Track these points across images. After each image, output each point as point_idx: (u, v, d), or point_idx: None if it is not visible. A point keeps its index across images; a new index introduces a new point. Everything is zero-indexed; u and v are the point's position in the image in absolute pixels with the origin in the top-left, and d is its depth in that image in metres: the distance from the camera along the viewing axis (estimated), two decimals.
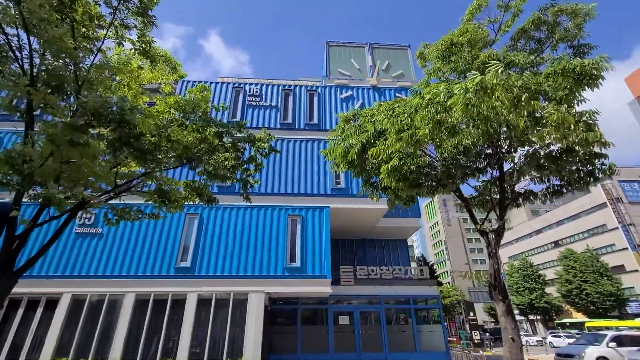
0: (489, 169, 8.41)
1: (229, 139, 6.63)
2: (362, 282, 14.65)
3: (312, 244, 13.54)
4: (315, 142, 15.70)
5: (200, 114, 6.36)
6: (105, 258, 12.87)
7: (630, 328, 22.52)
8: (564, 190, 8.07)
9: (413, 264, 26.49)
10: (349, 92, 16.99)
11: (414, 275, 15.14)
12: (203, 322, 12.31)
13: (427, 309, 15.49)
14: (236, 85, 17.02)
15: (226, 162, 6.24)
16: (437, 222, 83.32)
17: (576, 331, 34.52)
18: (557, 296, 45.81)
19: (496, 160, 7.98)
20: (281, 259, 13.21)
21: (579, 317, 44.57)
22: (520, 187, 8.56)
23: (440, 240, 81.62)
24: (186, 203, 6.68)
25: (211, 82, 17.18)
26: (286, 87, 17.00)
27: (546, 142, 6.64)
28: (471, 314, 30.72)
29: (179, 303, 12.54)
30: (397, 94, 17.12)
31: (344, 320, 14.30)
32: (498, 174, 8.10)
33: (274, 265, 13.11)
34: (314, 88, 17.04)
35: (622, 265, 44.33)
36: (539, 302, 45.78)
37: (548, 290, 47.65)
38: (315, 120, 16.22)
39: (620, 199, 46.15)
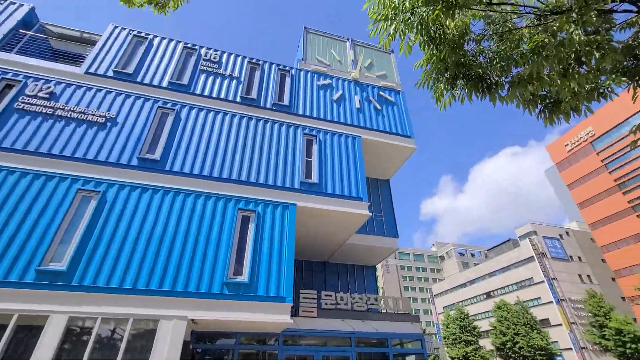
0: None
1: None
2: (327, 313, 10.73)
3: (269, 252, 9.51)
4: (284, 125, 12.28)
5: None
6: None
7: None
8: None
9: None
10: (327, 81, 14.29)
11: (391, 308, 11.70)
12: None
13: (409, 354, 11.93)
14: (189, 45, 13.23)
15: None
16: (376, 267, 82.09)
17: None
18: (491, 349, 45.25)
19: None
20: (220, 270, 8.90)
21: None
22: None
23: (378, 287, 79.97)
24: None
25: (155, 36, 13.20)
26: (253, 60, 13.71)
27: None
28: None
29: (30, 330, 7.31)
30: (380, 92, 14.89)
31: None
32: None
33: (208, 278, 8.72)
34: (287, 68, 14.02)
35: (547, 319, 45.98)
36: (475, 355, 44.59)
37: (481, 342, 46.98)
38: (286, 102, 12.96)
39: (545, 254, 49.30)
